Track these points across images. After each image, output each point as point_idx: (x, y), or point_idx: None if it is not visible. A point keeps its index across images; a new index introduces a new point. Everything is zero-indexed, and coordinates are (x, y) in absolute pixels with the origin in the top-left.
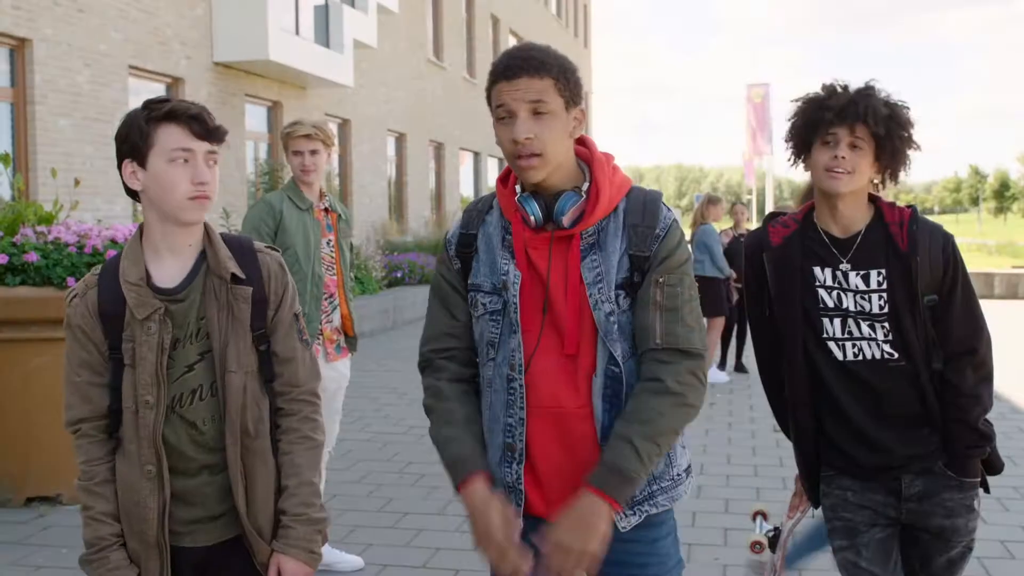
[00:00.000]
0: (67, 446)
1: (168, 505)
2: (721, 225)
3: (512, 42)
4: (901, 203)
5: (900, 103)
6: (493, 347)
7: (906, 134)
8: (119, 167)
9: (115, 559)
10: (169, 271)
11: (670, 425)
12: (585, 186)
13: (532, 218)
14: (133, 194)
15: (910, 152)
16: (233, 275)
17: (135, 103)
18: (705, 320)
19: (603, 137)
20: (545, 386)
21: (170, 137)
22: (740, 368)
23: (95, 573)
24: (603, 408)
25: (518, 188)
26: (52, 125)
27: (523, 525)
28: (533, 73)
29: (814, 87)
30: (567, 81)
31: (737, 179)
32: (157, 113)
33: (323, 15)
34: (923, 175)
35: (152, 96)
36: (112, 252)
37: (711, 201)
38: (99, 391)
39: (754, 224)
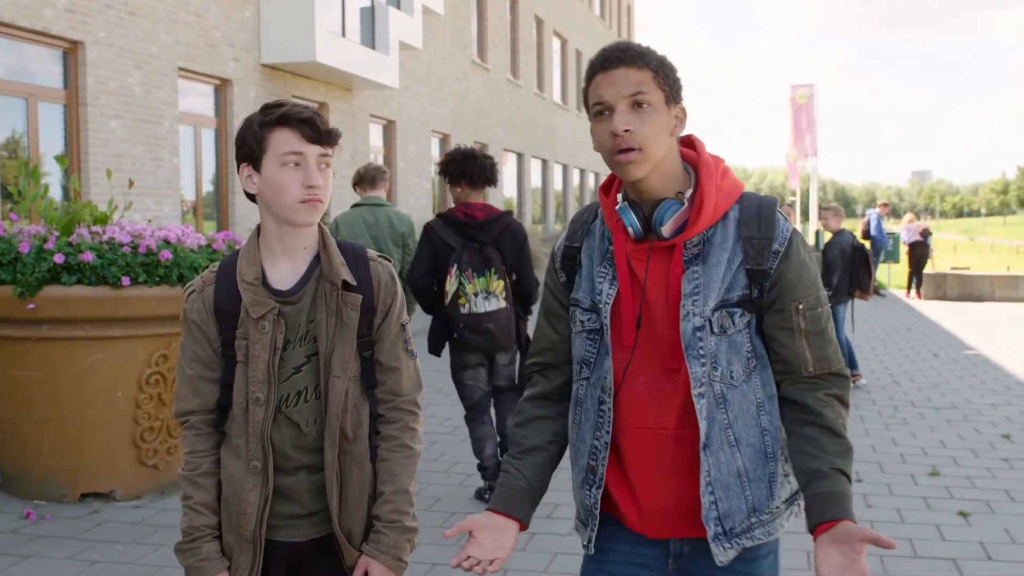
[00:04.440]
0: (121, 443)
1: (270, 501)
2: None
3: (556, 44)
4: (946, 205)
5: None
6: (587, 366)
7: None
8: (238, 170)
9: (206, 550)
10: (283, 273)
11: (849, 446)
12: (689, 192)
13: (631, 229)
14: (251, 197)
15: None
16: (344, 282)
17: (184, 105)
18: None
19: None
20: (639, 405)
21: (282, 141)
22: None
23: (186, 561)
24: (705, 428)
25: (620, 197)
26: (103, 126)
27: (617, 538)
28: (631, 63)
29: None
30: (666, 75)
31: (780, 181)
32: (271, 118)
33: (369, 17)
34: (969, 176)
35: (200, 97)
36: (166, 253)
37: None
38: (209, 385)
39: (799, 225)
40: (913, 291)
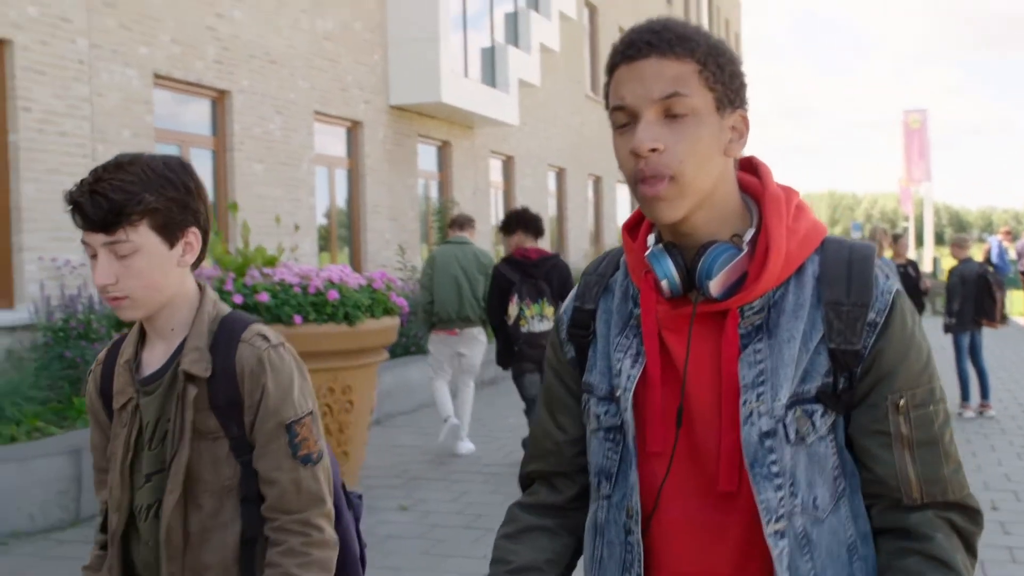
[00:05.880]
0: None
1: None
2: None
3: None
4: None
5: None
6: (608, 480)
7: None
8: None
9: None
10: (155, 356)
11: None
12: (749, 235)
13: (665, 282)
14: None
15: None
16: (188, 373)
17: (320, 146)
18: None
19: None
20: (678, 543)
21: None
22: None
23: None
24: None
25: (650, 240)
26: (248, 170)
27: None
28: (667, 51)
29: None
30: (719, 69)
31: (892, 206)
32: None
33: (490, 57)
34: None
35: (333, 139)
36: (333, 292)
37: (883, 234)
38: (106, 476)
39: (912, 252)
40: None
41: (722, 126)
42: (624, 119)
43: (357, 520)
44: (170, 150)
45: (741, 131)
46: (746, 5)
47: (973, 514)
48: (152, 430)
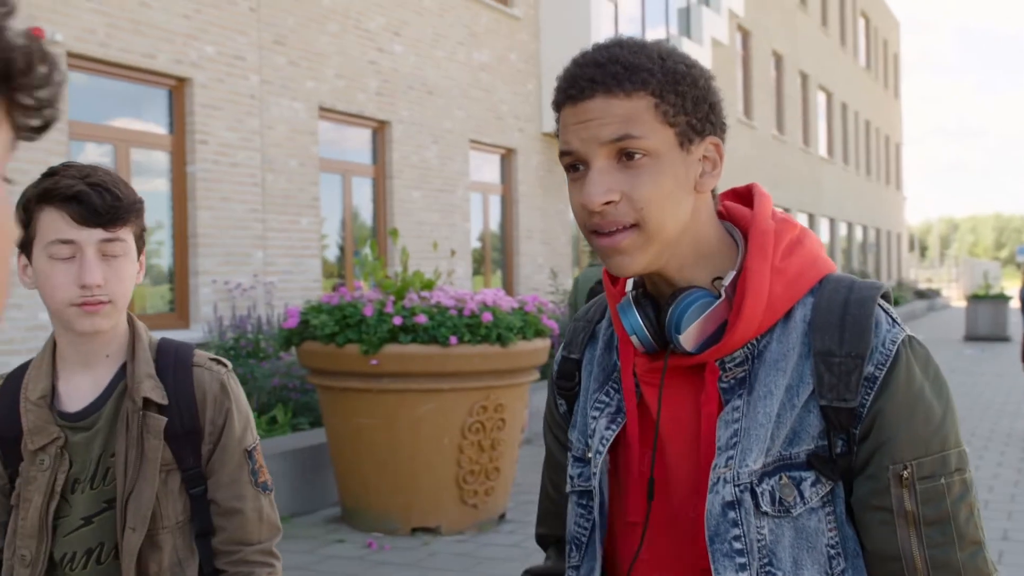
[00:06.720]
0: (446, 484)
1: None
2: None
3: (821, 98)
4: None
5: None
6: (578, 549)
7: None
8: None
9: None
10: (80, 388)
11: None
12: (729, 277)
13: (634, 337)
14: None
15: None
16: (147, 399)
17: (475, 173)
18: None
19: (912, 186)
20: None
21: (49, 226)
22: None
23: None
24: None
25: (629, 286)
26: (407, 197)
27: None
28: (614, 88)
29: None
30: (680, 98)
31: None
32: (35, 192)
33: None
34: None
35: (487, 166)
36: (487, 315)
37: None
38: None
39: None
40: None
41: (688, 161)
42: (574, 164)
43: None
44: (333, 179)
45: (715, 160)
46: (907, 24)
47: None
48: (94, 467)
